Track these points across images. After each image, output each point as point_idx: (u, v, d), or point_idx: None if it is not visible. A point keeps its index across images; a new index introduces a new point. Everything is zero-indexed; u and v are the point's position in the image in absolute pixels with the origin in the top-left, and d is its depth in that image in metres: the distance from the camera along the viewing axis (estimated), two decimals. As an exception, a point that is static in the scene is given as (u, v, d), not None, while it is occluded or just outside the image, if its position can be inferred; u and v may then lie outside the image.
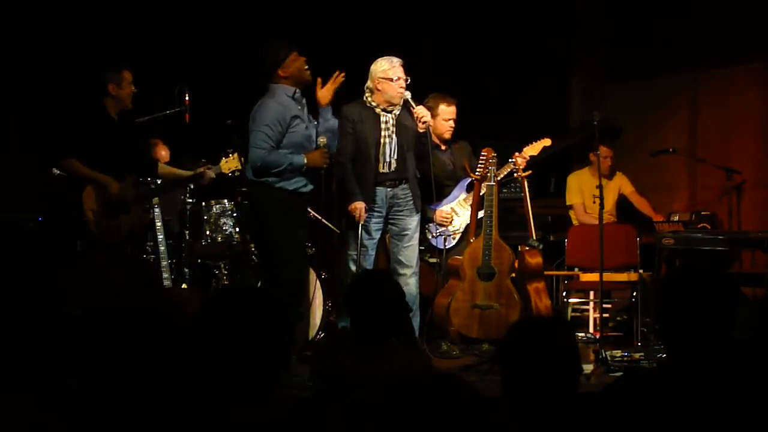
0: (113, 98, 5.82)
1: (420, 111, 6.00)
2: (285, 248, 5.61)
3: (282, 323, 2.32)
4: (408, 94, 6.02)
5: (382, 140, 6.05)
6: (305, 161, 5.59)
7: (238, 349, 2.26)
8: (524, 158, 6.29)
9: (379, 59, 6.06)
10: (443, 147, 6.57)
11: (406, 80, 6.01)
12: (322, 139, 5.68)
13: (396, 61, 6.02)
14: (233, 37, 7.88)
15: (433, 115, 6.34)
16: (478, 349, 6.23)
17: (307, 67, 5.62)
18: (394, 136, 6.07)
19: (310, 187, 5.74)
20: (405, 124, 6.07)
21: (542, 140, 6.42)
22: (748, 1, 7.88)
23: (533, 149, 6.37)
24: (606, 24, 8.90)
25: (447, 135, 6.55)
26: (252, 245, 6.51)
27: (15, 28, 7.35)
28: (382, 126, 6.06)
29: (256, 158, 5.55)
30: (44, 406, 2.35)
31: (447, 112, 6.53)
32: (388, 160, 6.08)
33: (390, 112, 6.06)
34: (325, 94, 5.70)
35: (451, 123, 6.53)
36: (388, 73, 6.00)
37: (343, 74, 5.68)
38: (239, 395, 2.23)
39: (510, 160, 6.30)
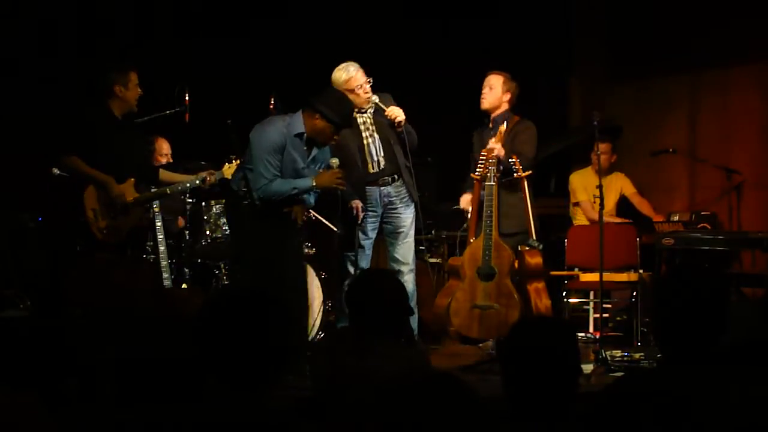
0: (119, 99, 5.83)
1: (392, 112, 5.99)
2: (266, 250, 5.55)
3: (282, 323, 2.33)
4: (376, 98, 5.99)
5: (365, 141, 6.05)
6: (313, 183, 5.51)
7: (239, 349, 2.26)
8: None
9: (336, 71, 5.96)
10: (491, 125, 6.37)
11: (369, 82, 5.97)
12: (335, 160, 5.58)
13: (352, 69, 5.95)
14: (233, 37, 7.88)
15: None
16: (477, 349, 6.24)
17: (331, 138, 5.50)
18: (375, 134, 6.07)
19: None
20: (382, 121, 6.05)
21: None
22: (747, 1, 7.88)
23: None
24: (606, 24, 8.90)
25: (482, 105, 6.34)
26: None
27: (15, 27, 7.34)
28: (362, 128, 6.05)
29: (259, 190, 5.46)
30: (42, 405, 2.35)
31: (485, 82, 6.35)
32: (376, 159, 6.08)
33: (364, 112, 6.06)
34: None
35: (484, 92, 6.29)
36: (350, 84, 5.93)
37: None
38: (239, 395, 2.23)
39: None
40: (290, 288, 5.58)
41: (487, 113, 6.34)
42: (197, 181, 6.10)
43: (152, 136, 6.96)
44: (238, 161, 5.88)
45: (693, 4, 8.17)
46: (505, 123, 6.16)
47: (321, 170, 5.58)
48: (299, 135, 5.49)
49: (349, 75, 5.95)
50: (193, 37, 7.89)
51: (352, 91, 5.92)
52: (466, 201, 6.29)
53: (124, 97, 5.83)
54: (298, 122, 5.48)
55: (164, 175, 6.22)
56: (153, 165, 6.49)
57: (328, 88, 5.70)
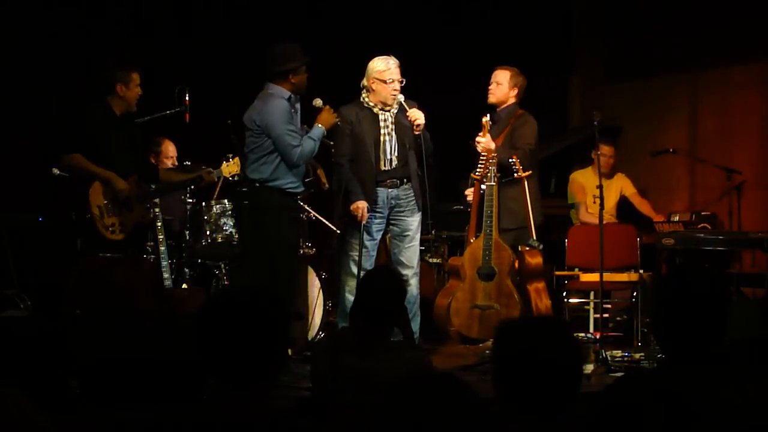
0: (120, 98, 5.86)
1: (413, 114, 5.99)
2: (281, 248, 5.73)
3: (281, 323, 2.33)
4: (401, 97, 6.01)
5: (381, 138, 6.06)
6: (321, 127, 5.83)
7: (238, 349, 2.26)
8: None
9: (376, 58, 6.05)
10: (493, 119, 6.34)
11: (401, 82, 6.00)
12: (317, 101, 5.86)
13: (392, 63, 6.00)
14: (233, 37, 7.88)
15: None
16: (477, 349, 6.24)
17: (306, 79, 5.83)
18: (393, 134, 6.08)
19: (302, 188, 5.96)
20: (404, 123, 6.06)
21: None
22: (748, 1, 7.88)
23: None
24: (606, 24, 8.90)
25: (489, 99, 6.36)
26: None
27: (15, 27, 7.34)
28: (381, 124, 6.06)
29: (297, 158, 5.76)
30: (37, 406, 2.35)
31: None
32: (389, 157, 6.08)
33: (387, 110, 6.07)
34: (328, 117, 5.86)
35: (491, 87, 6.33)
36: (383, 74, 5.99)
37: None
38: (239, 395, 2.23)
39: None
40: (290, 283, 5.71)
41: (493, 108, 6.35)
42: (196, 179, 6.13)
43: (158, 138, 6.97)
44: (236, 159, 5.91)
45: (693, 3, 8.17)
46: (488, 116, 6.16)
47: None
48: (288, 100, 5.76)
49: (387, 66, 6.00)
50: (193, 37, 7.88)
51: (384, 81, 5.98)
52: (471, 192, 6.27)
53: (124, 96, 5.86)
54: (280, 91, 5.76)
55: (163, 175, 6.24)
56: (152, 164, 6.50)
57: (272, 50, 5.82)
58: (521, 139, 6.19)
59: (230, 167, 5.99)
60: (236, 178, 6.02)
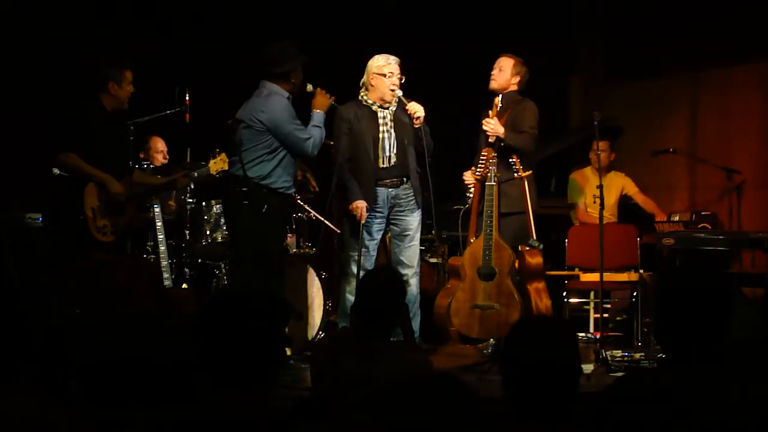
0: (111, 96, 5.83)
1: (412, 107, 6.00)
2: (275, 247, 5.78)
3: (280, 323, 2.33)
4: (400, 93, 6.03)
5: (380, 135, 6.06)
6: (320, 112, 5.91)
7: (238, 349, 2.26)
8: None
9: (377, 55, 6.08)
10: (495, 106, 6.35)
11: (401, 79, 6.02)
12: (309, 86, 5.91)
13: (392, 59, 6.04)
14: (233, 37, 7.88)
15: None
16: (478, 349, 6.24)
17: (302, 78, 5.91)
18: (392, 131, 6.08)
19: (293, 188, 5.98)
20: (403, 120, 6.07)
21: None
22: (748, 1, 7.88)
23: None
24: (606, 23, 8.90)
25: (491, 86, 6.33)
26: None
27: (14, 27, 7.34)
28: (380, 122, 6.07)
29: (312, 148, 5.84)
30: (47, 402, 2.35)
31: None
32: (387, 154, 6.08)
33: (386, 108, 6.08)
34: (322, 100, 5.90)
35: (493, 73, 6.31)
36: (383, 69, 6.02)
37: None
38: (238, 395, 2.23)
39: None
40: (282, 283, 5.80)
41: (494, 94, 6.34)
42: (169, 183, 6.08)
43: (145, 136, 6.94)
44: (223, 155, 5.88)
45: (693, 3, 8.17)
46: (500, 96, 6.17)
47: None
48: (287, 99, 5.83)
49: (387, 62, 6.04)
50: (193, 37, 7.88)
51: (383, 75, 6.01)
52: (468, 175, 6.23)
53: (116, 94, 5.83)
54: (279, 90, 5.82)
55: (136, 176, 6.11)
56: (131, 165, 6.41)
57: (269, 50, 5.86)
58: (524, 122, 6.17)
59: (217, 164, 5.92)
60: (221, 175, 5.97)
